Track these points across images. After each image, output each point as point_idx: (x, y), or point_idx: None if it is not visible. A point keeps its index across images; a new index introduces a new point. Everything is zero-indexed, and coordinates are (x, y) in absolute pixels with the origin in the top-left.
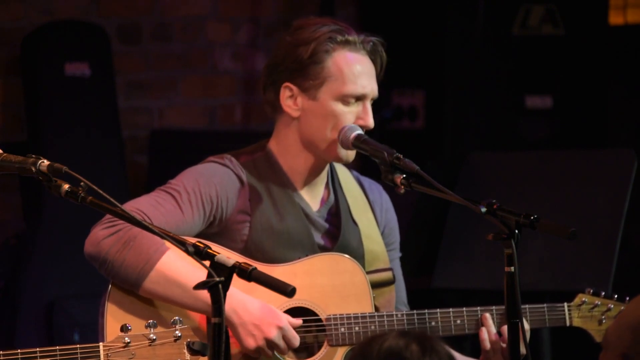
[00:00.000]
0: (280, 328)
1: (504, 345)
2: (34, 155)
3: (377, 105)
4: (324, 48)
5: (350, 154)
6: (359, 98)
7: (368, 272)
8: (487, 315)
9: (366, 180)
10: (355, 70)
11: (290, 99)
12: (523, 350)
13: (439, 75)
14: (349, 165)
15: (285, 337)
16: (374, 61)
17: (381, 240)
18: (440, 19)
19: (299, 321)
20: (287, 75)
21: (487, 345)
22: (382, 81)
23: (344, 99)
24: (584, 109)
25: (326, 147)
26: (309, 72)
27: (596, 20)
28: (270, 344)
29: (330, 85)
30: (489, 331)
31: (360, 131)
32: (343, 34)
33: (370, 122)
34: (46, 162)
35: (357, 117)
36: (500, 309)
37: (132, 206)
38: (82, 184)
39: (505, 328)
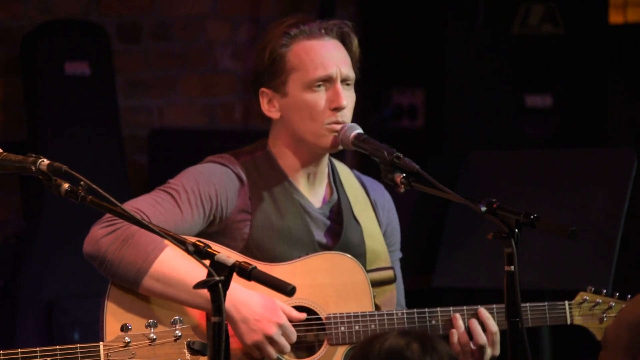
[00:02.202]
0: (280, 325)
1: (474, 347)
2: (33, 155)
3: (377, 104)
4: (281, 43)
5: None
6: (327, 81)
7: (369, 271)
8: (457, 315)
9: (368, 180)
10: (315, 55)
11: (268, 104)
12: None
13: (439, 74)
14: (350, 164)
15: (284, 334)
16: (344, 43)
17: (382, 239)
18: (440, 18)
19: (302, 315)
20: (259, 82)
21: (457, 347)
22: (382, 80)
23: (311, 86)
24: (584, 107)
25: (313, 138)
26: (274, 71)
27: (596, 19)
28: (270, 340)
29: (294, 77)
30: (459, 333)
31: (359, 130)
32: (298, 26)
33: (342, 102)
34: (46, 162)
35: (329, 101)
36: (500, 308)
37: (131, 206)
38: (82, 183)
39: (473, 325)
